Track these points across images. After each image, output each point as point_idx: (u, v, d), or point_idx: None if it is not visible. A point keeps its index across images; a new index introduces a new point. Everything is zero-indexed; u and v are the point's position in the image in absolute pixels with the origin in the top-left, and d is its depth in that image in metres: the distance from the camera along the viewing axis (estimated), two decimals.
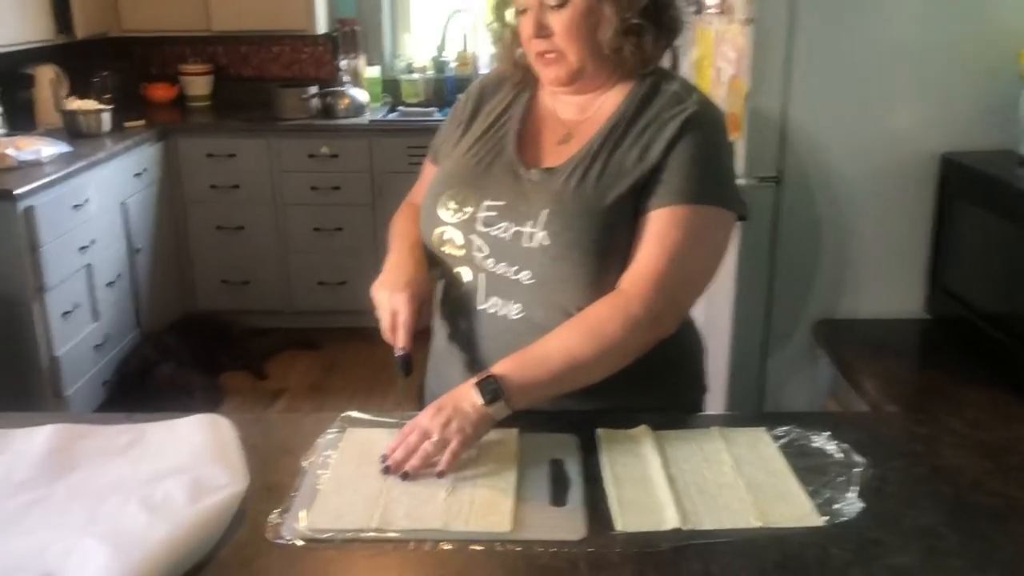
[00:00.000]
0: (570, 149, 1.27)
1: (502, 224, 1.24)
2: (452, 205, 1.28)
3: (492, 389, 1.12)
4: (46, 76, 3.66)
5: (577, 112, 1.31)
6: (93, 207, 3.21)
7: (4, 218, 2.77)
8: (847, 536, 0.99)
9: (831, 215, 1.97)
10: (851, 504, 1.04)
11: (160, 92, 4.31)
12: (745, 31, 1.94)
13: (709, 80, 2.27)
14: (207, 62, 4.36)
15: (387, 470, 1.09)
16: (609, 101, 1.29)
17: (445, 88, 4.35)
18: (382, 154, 3.85)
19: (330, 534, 0.99)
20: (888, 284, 2.01)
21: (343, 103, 3.97)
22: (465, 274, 1.30)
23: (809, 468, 1.11)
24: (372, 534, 0.99)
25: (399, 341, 1.24)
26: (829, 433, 1.18)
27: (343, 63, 4.17)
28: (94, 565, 0.89)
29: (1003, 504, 1.06)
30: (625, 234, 1.21)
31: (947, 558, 0.96)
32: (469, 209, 1.27)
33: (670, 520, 1.01)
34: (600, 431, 1.19)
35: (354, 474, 1.10)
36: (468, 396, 1.13)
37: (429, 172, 1.42)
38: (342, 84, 4.08)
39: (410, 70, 4.41)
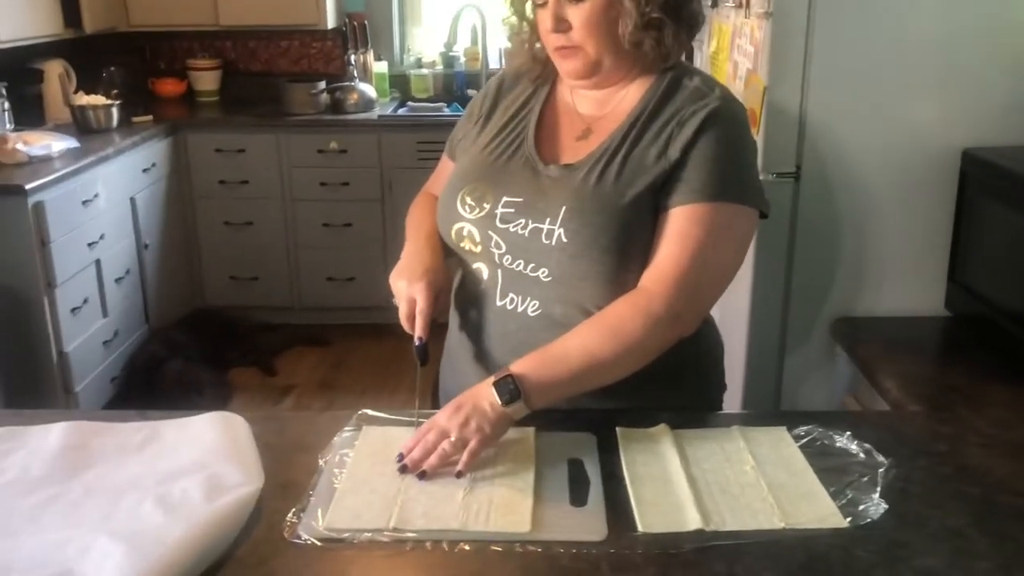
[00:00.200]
0: (589, 145, 1.25)
1: (520, 221, 1.23)
2: (470, 201, 1.27)
3: (510, 388, 1.11)
4: (55, 71, 3.66)
5: (596, 107, 1.29)
6: (102, 202, 3.20)
7: (15, 213, 2.77)
8: (872, 537, 0.97)
9: (850, 211, 1.95)
10: (875, 505, 1.02)
11: (168, 87, 4.31)
12: (763, 25, 1.92)
13: (725, 74, 2.25)
14: (215, 57, 4.35)
15: (404, 469, 1.08)
16: (629, 96, 1.27)
17: (454, 83, 4.34)
18: (391, 149, 3.84)
19: (348, 534, 0.98)
20: (908, 281, 1.98)
21: (352, 98, 3.96)
22: (482, 270, 1.29)
23: (831, 468, 1.10)
24: (390, 534, 0.98)
25: (417, 330, 1.24)
26: (850, 432, 1.17)
27: (352, 58, 4.16)
28: (112, 563, 0.89)
29: None
30: (644, 231, 1.20)
31: (975, 560, 0.94)
32: (487, 205, 1.26)
33: (692, 521, 0.99)
34: (619, 430, 1.18)
35: (371, 473, 1.09)
36: (487, 395, 1.11)
37: (446, 167, 1.41)
38: (351, 79, 4.07)
39: (419, 65, 4.40)
